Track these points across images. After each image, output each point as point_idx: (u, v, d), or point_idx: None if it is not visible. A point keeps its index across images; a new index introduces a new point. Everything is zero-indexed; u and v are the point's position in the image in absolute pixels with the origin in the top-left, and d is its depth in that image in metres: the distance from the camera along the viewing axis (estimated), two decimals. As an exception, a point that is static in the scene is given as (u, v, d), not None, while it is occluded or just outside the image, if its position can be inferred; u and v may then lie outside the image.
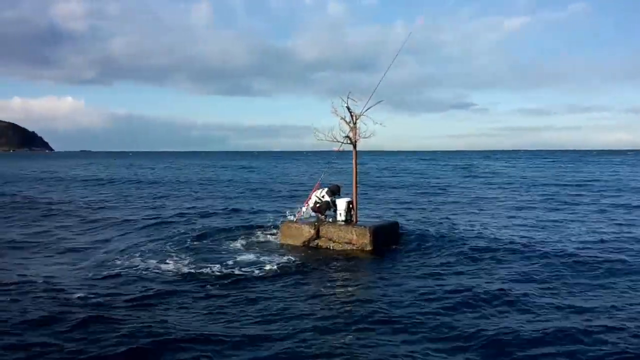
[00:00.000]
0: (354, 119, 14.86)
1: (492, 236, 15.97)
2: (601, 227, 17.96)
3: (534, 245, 14.47)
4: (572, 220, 19.58)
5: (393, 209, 23.83)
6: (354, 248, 14.25)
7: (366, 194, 30.14)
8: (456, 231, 16.81)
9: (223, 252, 13.98)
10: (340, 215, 15.32)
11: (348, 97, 14.39)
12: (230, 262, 12.65)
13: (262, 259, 13.09)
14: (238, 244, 15.15)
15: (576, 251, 13.72)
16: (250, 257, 13.32)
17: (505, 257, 13.26)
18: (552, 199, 27.63)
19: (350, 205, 15.32)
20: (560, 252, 13.54)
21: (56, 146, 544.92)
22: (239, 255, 13.57)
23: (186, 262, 12.75)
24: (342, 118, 14.99)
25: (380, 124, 14.69)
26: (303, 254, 13.83)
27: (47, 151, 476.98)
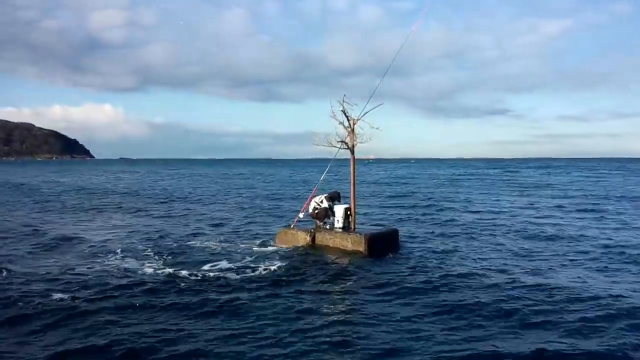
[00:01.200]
0: (352, 124, 14.54)
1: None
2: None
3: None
4: None
5: (404, 215, 23.33)
6: (349, 255, 13.88)
7: (381, 202, 29.62)
8: (461, 250, 15.18)
9: (210, 256, 13.84)
10: (338, 222, 15.01)
11: (343, 101, 14.08)
12: (214, 266, 12.54)
13: (251, 264, 12.87)
14: (233, 248, 14.99)
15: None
16: (240, 262, 13.12)
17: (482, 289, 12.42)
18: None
19: (348, 212, 14.98)
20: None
21: (96, 153, 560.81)
22: (226, 259, 13.39)
23: (162, 263, 12.78)
24: (340, 122, 14.70)
25: (377, 129, 14.36)
26: (297, 261, 13.53)
27: (87, 158, 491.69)
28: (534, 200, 31.45)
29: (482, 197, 34.91)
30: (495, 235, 17.86)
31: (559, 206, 27.80)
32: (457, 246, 15.62)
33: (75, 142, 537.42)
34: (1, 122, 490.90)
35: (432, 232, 18.34)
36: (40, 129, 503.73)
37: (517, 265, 12.93)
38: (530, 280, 11.32)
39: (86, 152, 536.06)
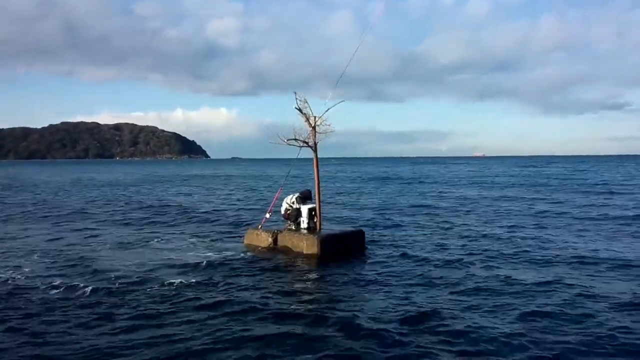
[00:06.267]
0: (313, 122, 14.14)
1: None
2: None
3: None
4: None
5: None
6: (305, 257, 13.54)
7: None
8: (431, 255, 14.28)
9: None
10: (303, 223, 14.69)
11: (296, 98, 13.73)
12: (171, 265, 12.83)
13: (211, 261, 13.00)
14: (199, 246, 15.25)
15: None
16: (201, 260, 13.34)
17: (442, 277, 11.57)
18: None
19: (313, 213, 14.60)
20: None
21: (212, 153, 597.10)
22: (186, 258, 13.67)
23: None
24: (306, 120, 14.36)
25: (332, 131, 14.06)
26: (253, 262, 13.45)
27: (203, 158, 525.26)
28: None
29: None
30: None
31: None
32: (435, 254, 14.60)
33: (193, 143, 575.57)
34: (130, 125, 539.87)
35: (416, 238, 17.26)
36: (163, 131, 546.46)
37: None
38: None
39: (202, 153, 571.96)
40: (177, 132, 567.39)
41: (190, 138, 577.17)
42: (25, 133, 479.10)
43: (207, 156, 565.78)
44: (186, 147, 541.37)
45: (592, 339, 7.65)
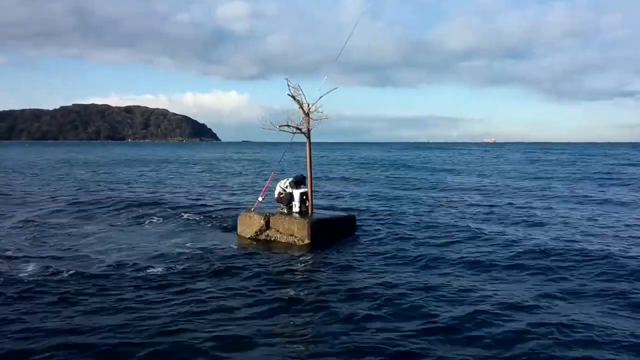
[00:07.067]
0: (307, 109, 14.39)
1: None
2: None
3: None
4: None
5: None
6: (295, 240, 13.91)
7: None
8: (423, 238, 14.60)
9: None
10: (295, 207, 15.03)
11: (288, 85, 13.96)
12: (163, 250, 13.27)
13: (204, 246, 13.46)
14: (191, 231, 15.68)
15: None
16: (193, 244, 13.79)
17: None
18: None
19: (304, 197, 14.93)
20: None
21: (222, 136, 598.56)
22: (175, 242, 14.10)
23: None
24: (300, 107, 14.61)
25: (327, 118, 14.28)
26: (244, 245, 13.89)
27: (214, 141, 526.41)
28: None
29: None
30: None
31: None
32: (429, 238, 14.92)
33: (203, 126, 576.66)
34: (141, 108, 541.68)
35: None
36: (174, 114, 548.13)
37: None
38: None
39: (213, 136, 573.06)
40: (188, 115, 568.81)
41: (201, 121, 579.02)
42: (36, 115, 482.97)
43: (217, 139, 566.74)
44: (197, 130, 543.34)
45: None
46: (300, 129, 14.52)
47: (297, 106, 14.54)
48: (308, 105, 14.38)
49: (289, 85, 13.96)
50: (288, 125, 14.32)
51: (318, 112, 14.53)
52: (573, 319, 8.03)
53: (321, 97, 14.34)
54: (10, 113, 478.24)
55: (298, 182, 15.59)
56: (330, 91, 14.40)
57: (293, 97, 14.16)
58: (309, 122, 14.53)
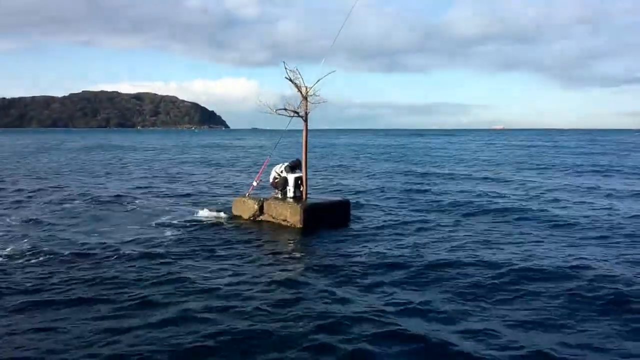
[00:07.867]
0: (305, 92, 14.15)
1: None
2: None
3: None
4: None
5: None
6: (288, 225, 13.78)
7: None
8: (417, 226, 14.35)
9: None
10: (290, 192, 14.88)
11: (285, 68, 13.72)
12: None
13: (195, 229, 13.39)
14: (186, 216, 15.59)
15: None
16: (184, 229, 13.71)
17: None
18: None
19: (299, 182, 14.76)
20: None
21: (231, 124, 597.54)
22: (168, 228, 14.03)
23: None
24: (298, 90, 14.38)
25: (325, 101, 14.13)
26: (239, 229, 13.75)
27: (223, 128, 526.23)
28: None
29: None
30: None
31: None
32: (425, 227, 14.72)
33: (212, 113, 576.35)
34: (150, 95, 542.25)
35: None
36: (183, 101, 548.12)
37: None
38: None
39: (222, 123, 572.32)
40: (197, 102, 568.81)
41: (210, 108, 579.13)
42: (47, 102, 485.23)
43: (226, 126, 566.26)
44: (206, 117, 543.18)
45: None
46: (297, 113, 14.32)
47: (296, 89, 14.35)
48: (306, 88, 14.16)
49: (286, 68, 13.75)
50: (285, 109, 14.12)
51: (316, 95, 14.31)
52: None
53: (319, 80, 14.11)
54: (21, 100, 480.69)
55: (293, 167, 15.42)
56: (328, 74, 14.15)
57: (291, 80, 13.94)
58: (306, 106, 14.31)
